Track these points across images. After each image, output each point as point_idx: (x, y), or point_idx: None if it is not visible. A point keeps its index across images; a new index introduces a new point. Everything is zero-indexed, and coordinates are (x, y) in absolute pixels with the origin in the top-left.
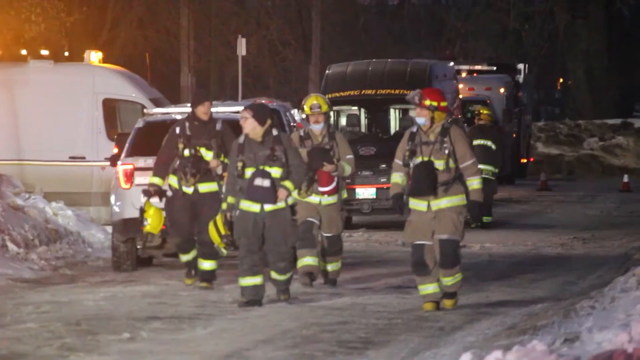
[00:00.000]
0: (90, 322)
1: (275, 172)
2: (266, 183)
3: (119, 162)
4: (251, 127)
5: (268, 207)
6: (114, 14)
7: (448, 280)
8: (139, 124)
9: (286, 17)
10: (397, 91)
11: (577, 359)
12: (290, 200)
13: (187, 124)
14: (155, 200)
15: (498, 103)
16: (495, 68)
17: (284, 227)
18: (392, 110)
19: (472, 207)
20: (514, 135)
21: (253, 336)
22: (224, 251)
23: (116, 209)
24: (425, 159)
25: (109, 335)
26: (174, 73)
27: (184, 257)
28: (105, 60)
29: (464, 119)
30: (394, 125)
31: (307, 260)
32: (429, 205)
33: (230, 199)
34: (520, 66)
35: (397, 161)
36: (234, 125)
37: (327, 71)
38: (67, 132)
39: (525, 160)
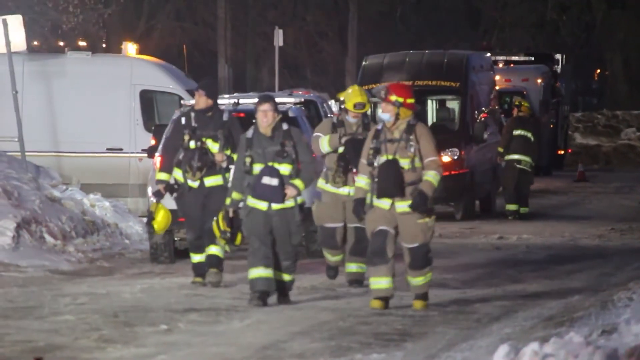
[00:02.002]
0: (128, 314)
1: (285, 169)
2: (274, 182)
3: (156, 154)
4: (271, 121)
5: (276, 205)
6: (151, 6)
7: (419, 280)
8: (176, 115)
9: (323, 8)
10: (434, 82)
11: (615, 351)
12: (299, 199)
13: (192, 115)
14: (167, 199)
15: (535, 94)
16: (532, 58)
17: (290, 226)
18: (429, 102)
19: (415, 197)
20: (551, 126)
21: (289, 328)
22: (227, 247)
23: (153, 200)
24: (390, 157)
25: (146, 327)
26: (211, 64)
27: (196, 258)
28: (142, 51)
29: (500, 110)
30: (431, 117)
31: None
32: (392, 204)
33: (235, 195)
34: (558, 56)
35: (362, 160)
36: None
37: (363, 62)
38: (104, 124)
39: (562, 152)
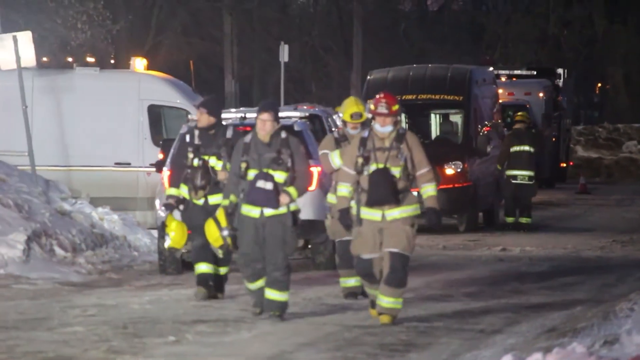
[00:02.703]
0: (137, 325)
1: (279, 176)
2: (268, 186)
3: (164, 168)
4: (271, 130)
5: (268, 212)
6: (158, 22)
7: (388, 302)
8: (184, 129)
9: (328, 23)
10: (437, 96)
11: None
12: (292, 207)
13: (196, 132)
14: (177, 213)
15: (537, 107)
16: (535, 73)
17: (283, 234)
18: (432, 115)
19: (429, 215)
20: (554, 139)
21: (296, 339)
22: (220, 252)
23: (162, 213)
24: (381, 165)
25: (155, 338)
26: (217, 79)
27: (201, 267)
28: (150, 67)
29: (503, 124)
30: (434, 130)
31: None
32: (383, 215)
33: (232, 197)
34: (560, 71)
35: (346, 169)
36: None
37: (368, 77)
38: (112, 138)
39: (564, 164)
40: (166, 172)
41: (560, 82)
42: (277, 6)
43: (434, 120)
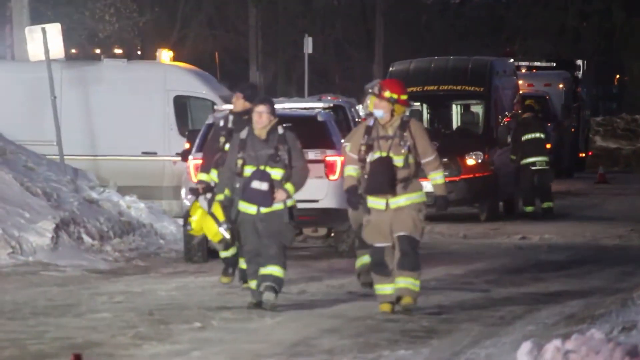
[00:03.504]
0: (163, 311)
1: (276, 173)
2: (264, 186)
3: (189, 157)
4: (267, 122)
5: (264, 209)
6: (184, 14)
7: (406, 282)
8: (209, 120)
9: (351, 16)
10: (458, 87)
11: (635, 347)
12: (289, 202)
13: (230, 117)
14: (203, 199)
15: (557, 98)
16: (554, 64)
17: (279, 227)
18: (453, 106)
19: (439, 203)
20: (573, 130)
21: (319, 325)
22: (219, 246)
23: (187, 202)
24: (384, 154)
25: (181, 325)
26: (242, 71)
27: (224, 253)
28: (176, 58)
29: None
30: (455, 120)
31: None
32: (387, 204)
33: (227, 192)
34: (579, 62)
35: (351, 154)
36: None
37: (390, 68)
38: (139, 129)
39: (583, 155)
40: (192, 160)
41: (580, 74)
42: None
43: (455, 111)
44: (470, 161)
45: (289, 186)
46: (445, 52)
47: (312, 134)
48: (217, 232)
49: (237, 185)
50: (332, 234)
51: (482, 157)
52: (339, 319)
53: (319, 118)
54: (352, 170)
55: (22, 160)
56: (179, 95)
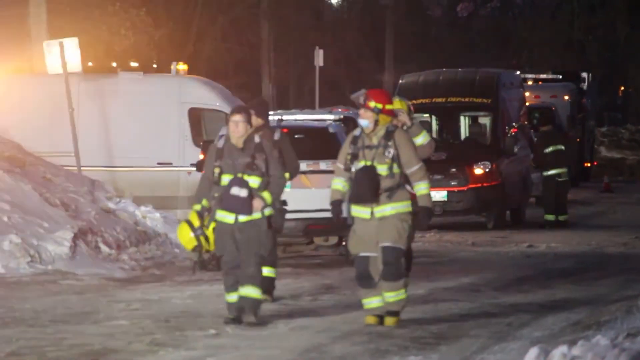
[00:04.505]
0: (178, 319)
1: (254, 181)
2: (243, 193)
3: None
4: (242, 132)
5: (243, 217)
6: (198, 28)
7: (390, 296)
8: (223, 131)
9: (361, 29)
10: (466, 99)
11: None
12: (267, 212)
13: None
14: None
15: (563, 110)
16: (560, 76)
17: (258, 237)
18: (462, 117)
19: (421, 214)
20: (578, 140)
21: (331, 332)
22: (195, 255)
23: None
24: (368, 163)
25: (196, 331)
26: (255, 83)
27: (266, 271)
28: (190, 71)
29: (530, 125)
30: (463, 131)
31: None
32: (372, 213)
33: (204, 202)
34: (584, 74)
35: (339, 165)
36: (309, 132)
37: (400, 80)
38: (155, 140)
39: (588, 164)
40: None
41: (585, 86)
42: (312, 13)
43: (464, 122)
44: (478, 171)
45: (266, 194)
46: (453, 64)
47: (324, 145)
48: (190, 238)
49: (215, 194)
50: (343, 243)
51: (489, 167)
52: (350, 326)
53: (330, 130)
54: (338, 184)
55: (41, 172)
56: (193, 107)
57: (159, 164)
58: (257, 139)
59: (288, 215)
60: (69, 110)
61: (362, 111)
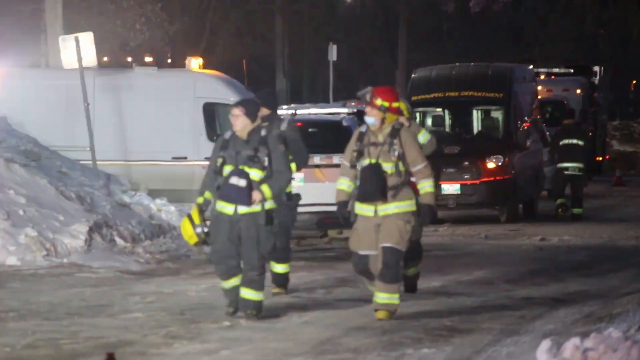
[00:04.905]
0: (193, 311)
1: (255, 174)
2: (242, 183)
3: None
4: (243, 125)
5: (242, 209)
6: (213, 23)
7: (384, 297)
8: None
9: (374, 24)
10: (479, 93)
11: None
12: (267, 205)
13: None
14: None
15: (575, 104)
16: (572, 70)
17: (256, 234)
18: (474, 111)
19: (424, 211)
20: (590, 134)
21: (345, 324)
22: (197, 250)
23: None
24: (373, 160)
25: (211, 324)
26: (269, 78)
27: (276, 267)
28: (205, 66)
29: (542, 119)
30: (476, 125)
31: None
32: (375, 211)
33: (207, 194)
34: (596, 68)
35: (345, 162)
36: (323, 126)
37: (413, 75)
38: (170, 134)
39: (600, 158)
40: None
41: (597, 80)
42: (326, 8)
43: (476, 116)
44: (491, 165)
45: (264, 187)
46: (466, 59)
47: (337, 138)
48: (192, 234)
49: (217, 185)
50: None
51: (502, 161)
52: (364, 319)
53: (344, 123)
54: (343, 184)
55: (57, 166)
56: (208, 102)
57: (173, 158)
58: (263, 132)
59: (302, 209)
60: (84, 104)
61: (368, 109)
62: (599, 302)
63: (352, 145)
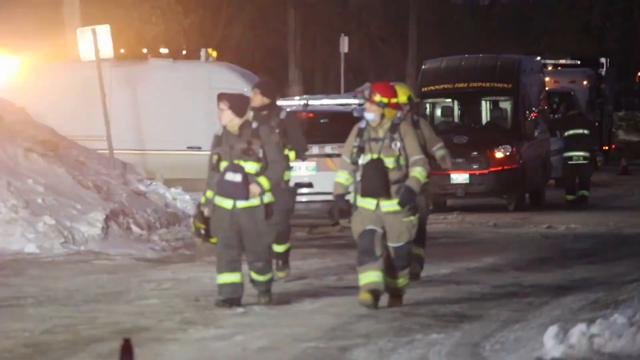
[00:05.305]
0: (208, 297)
1: (250, 167)
2: (237, 178)
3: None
4: (228, 119)
5: (241, 203)
6: (227, 16)
7: (400, 282)
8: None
9: (385, 16)
10: (488, 84)
11: None
12: (266, 199)
13: (250, 113)
14: None
15: (582, 94)
16: (579, 62)
17: (258, 226)
18: (483, 102)
19: (405, 193)
20: (596, 124)
21: (356, 311)
22: (201, 246)
23: None
24: (375, 156)
25: (225, 310)
26: (282, 69)
27: (278, 248)
28: (219, 58)
29: (549, 110)
30: (485, 116)
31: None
32: (377, 205)
33: (208, 193)
34: (602, 60)
35: (344, 158)
36: (335, 116)
37: (423, 66)
38: (184, 124)
39: (606, 148)
40: None
41: (603, 71)
42: (337, 0)
43: (485, 107)
44: (499, 154)
45: (262, 180)
46: (475, 50)
47: (348, 128)
48: (196, 230)
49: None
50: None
51: (510, 151)
52: None
53: (355, 114)
54: (341, 177)
55: (74, 155)
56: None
57: (188, 147)
58: (254, 124)
59: (314, 197)
60: (101, 95)
61: (367, 105)
62: (605, 289)
63: (351, 141)
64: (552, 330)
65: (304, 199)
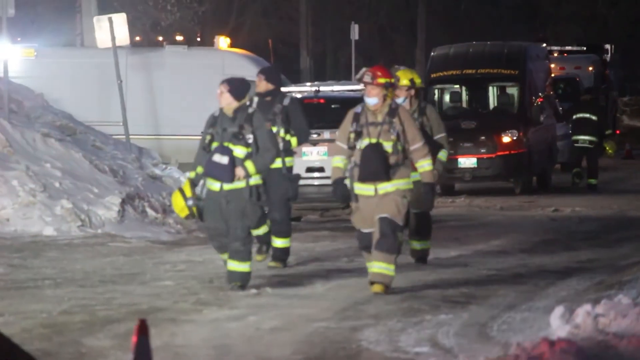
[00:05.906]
0: (222, 279)
1: (239, 151)
2: (224, 160)
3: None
4: (227, 102)
5: (227, 186)
6: (240, 4)
7: (380, 267)
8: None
9: (395, 4)
10: (495, 70)
11: None
12: (252, 182)
13: (255, 99)
14: None
15: (587, 81)
16: (584, 48)
17: (242, 207)
18: (490, 88)
19: (426, 190)
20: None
21: (366, 292)
22: (186, 220)
23: None
24: (374, 140)
25: (238, 291)
26: (294, 56)
27: (257, 232)
28: (233, 45)
29: (555, 95)
30: (492, 101)
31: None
32: (376, 190)
33: (199, 169)
34: (607, 46)
35: (340, 144)
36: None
37: (432, 53)
38: (199, 110)
39: (610, 132)
40: None
41: (608, 57)
42: None
43: (492, 93)
44: (506, 139)
45: (248, 164)
46: (482, 37)
47: None
48: (183, 206)
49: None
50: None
51: (516, 135)
52: None
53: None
54: (339, 161)
55: (91, 140)
56: None
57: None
58: (250, 110)
59: (326, 181)
60: (118, 82)
61: (370, 89)
62: (610, 270)
63: (347, 126)
64: (558, 310)
65: (315, 182)
